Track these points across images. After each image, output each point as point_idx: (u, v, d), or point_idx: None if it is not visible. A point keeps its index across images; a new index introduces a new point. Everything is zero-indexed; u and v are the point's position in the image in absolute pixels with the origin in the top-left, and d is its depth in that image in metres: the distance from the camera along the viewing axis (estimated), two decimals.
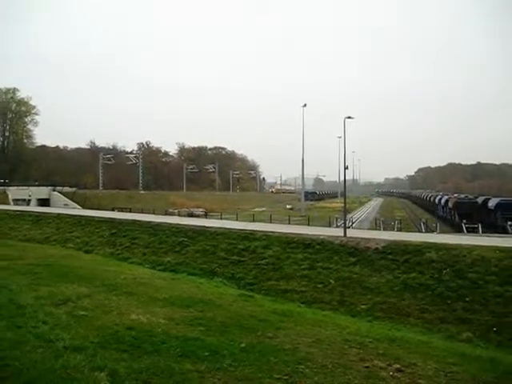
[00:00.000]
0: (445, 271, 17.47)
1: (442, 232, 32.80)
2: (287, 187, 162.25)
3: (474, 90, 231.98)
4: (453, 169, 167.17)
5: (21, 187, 66.73)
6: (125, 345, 7.27)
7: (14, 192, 63.91)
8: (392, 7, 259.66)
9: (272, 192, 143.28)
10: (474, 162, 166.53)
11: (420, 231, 35.59)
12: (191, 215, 50.90)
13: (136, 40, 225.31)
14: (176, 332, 8.42)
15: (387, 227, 36.97)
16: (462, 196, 53.94)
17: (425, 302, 16.16)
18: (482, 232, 32.59)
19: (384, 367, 7.10)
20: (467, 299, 15.80)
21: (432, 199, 66.61)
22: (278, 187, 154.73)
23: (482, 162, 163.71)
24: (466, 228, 36.11)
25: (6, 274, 14.02)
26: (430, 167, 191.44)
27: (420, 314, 15.64)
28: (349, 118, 26.22)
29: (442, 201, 54.63)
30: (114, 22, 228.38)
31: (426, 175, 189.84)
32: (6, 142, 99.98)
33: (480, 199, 45.54)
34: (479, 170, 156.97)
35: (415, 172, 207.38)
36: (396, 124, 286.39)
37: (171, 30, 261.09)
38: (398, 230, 33.50)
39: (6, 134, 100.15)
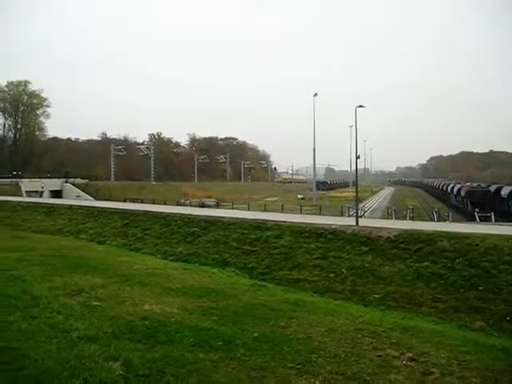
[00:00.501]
0: (457, 260, 17.32)
1: (454, 221, 32.59)
2: (298, 177, 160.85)
3: (484, 77, 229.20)
4: (465, 157, 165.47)
5: (33, 179, 67.17)
6: (139, 335, 7.34)
7: (26, 184, 64.31)
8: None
9: (279, 181, 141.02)
10: (486, 150, 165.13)
11: (432, 220, 35.35)
12: (202, 205, 50.91)
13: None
14: (189, 322, 8.48)
15: (399, 216, 36.83)
16: (475, 185, 53.47)
17: (437, 291, 16.02)
18: (495, 221, 32.32)
19: (397, 356, 7.11)
20: (480, 288, 15.64)
21: (444, 188, 66.14)
22: (288, 176, 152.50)
23: (495, 150, 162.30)
24: (479, 217, 35.85)
25: (20, 265, 14.18)
26: (441, 156, 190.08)
27: (433, 303, 15.52)
28: (360, 106, 25.90)
29: (455, 189, 54.25)
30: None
31: (438, 164, 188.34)
32: (18, 135, 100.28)
33: (493, 188, 45.18)
34: (491, 159, 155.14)
35: (427, 161, 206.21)
36: (408, 113, 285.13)
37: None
38: (410, 219, 33.29)
39: (18, 126, 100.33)
